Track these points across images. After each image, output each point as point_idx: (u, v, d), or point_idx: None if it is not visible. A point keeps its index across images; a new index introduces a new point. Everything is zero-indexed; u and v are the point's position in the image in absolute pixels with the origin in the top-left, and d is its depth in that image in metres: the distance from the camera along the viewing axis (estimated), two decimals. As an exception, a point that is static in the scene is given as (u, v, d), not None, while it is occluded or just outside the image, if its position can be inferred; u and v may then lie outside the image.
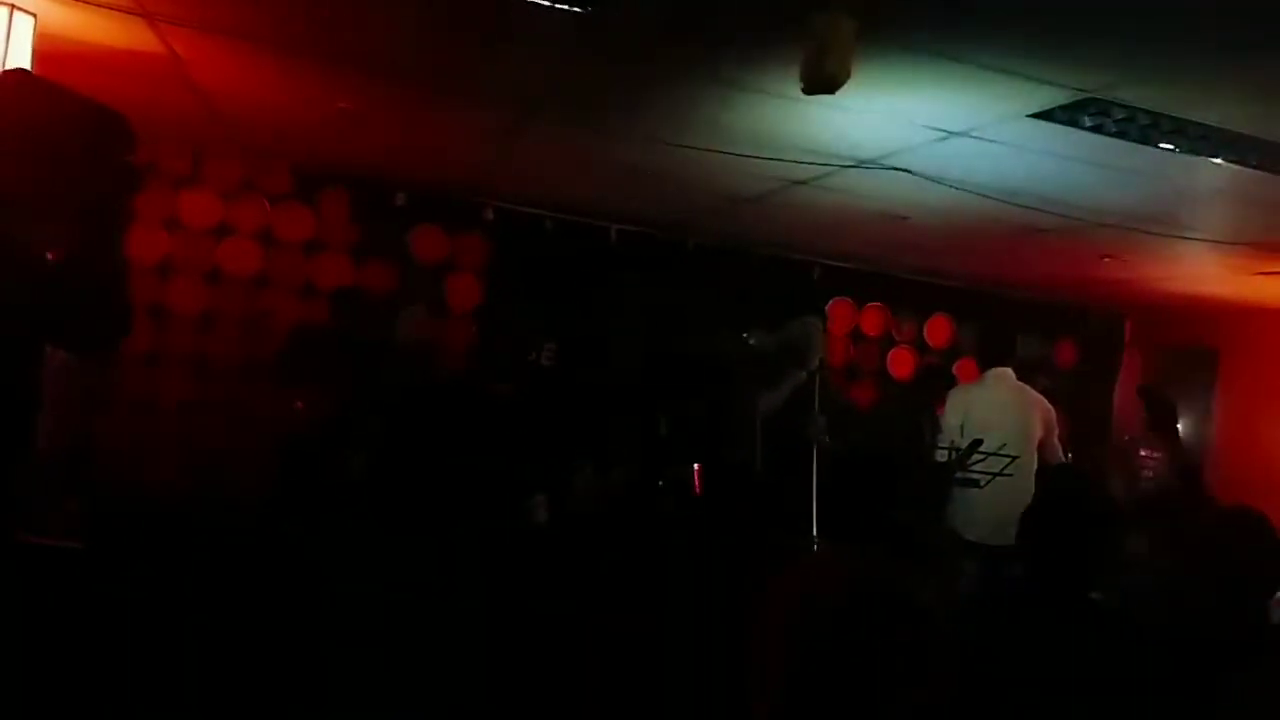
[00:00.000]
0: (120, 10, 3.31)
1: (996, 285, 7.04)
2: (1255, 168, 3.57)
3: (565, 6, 2.80)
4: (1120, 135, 3.40)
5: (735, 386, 4.71)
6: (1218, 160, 3.54)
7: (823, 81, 2.40)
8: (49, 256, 1.97)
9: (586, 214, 6.37)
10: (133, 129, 2.08)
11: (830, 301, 7.01)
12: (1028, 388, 5.24)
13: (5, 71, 2.16)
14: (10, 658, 2.17)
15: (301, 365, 5.11)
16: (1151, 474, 5.46)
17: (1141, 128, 3.33)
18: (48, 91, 2.01)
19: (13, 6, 3.20)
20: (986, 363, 5.35)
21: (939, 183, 4.29)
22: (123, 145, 2.07)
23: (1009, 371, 5.23)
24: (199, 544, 4.07)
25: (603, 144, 4.38)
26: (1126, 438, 5.89)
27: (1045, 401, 5.23)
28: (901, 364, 7.17)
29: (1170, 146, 3.46)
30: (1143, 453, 5.56)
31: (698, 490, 4.62)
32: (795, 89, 2.81)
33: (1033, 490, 4.22)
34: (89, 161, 1.98)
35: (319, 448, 4.77)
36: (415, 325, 6.27)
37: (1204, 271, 5.60)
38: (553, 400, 4.94)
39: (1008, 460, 4.53)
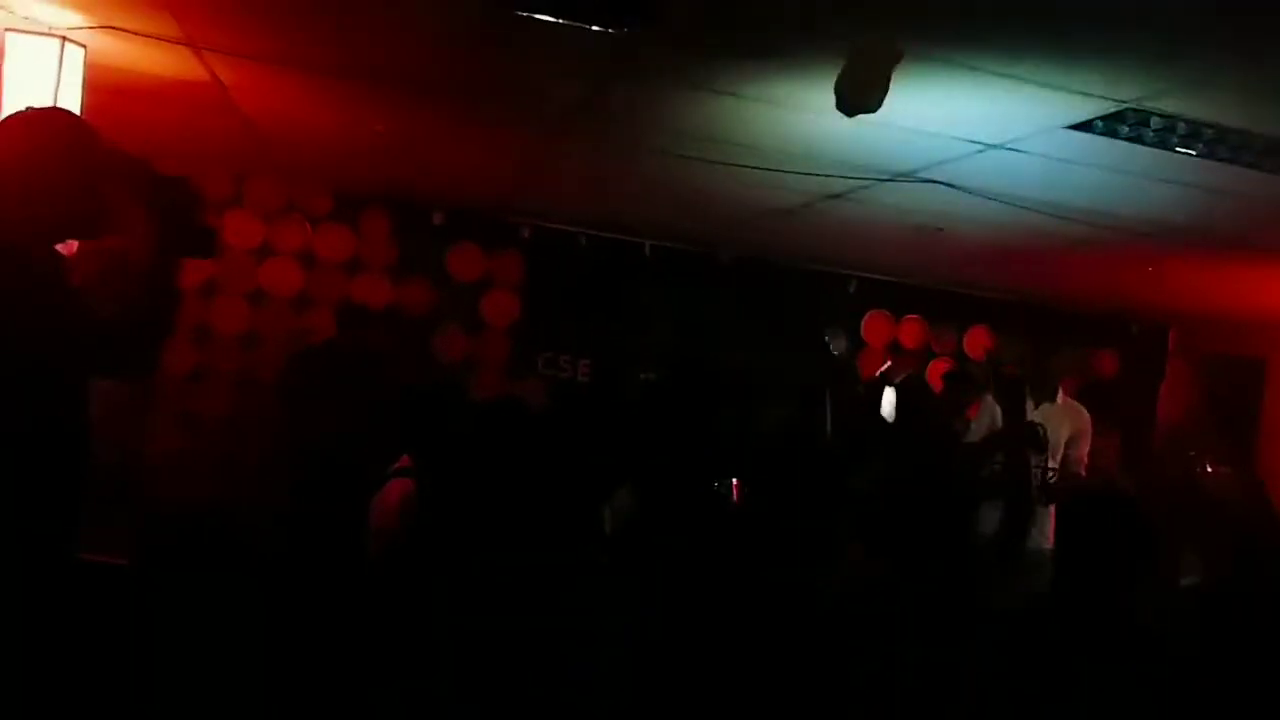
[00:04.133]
0: (167, 40, 3.40)
1: (1037, 296, 6.97)
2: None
3: (599, 28, 2.83)
4: (1159, 145, 3.36)
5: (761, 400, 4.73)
6: (1259, 169, 3.49)
7: (862, 103, 2.41)
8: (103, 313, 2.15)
9: (621, 230, 6.40)
10: (199, 195, 2.30)
11: (867, 314, 6.97)
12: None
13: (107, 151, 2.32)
14: (60, 673, 2.23)
15: (303, 382, 5.18)
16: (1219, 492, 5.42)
17: (1181, 137, 3.29)
18: (130, 164, 2.20)
19: (64, 39, 3.30)
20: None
21: (977, 195, 4.27)
22: (194, 211, 2.27)
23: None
24: (243, 559, 4.12)
25: (637, 160, 4.41)
26: (1191, 453, 5.82)
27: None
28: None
29: (1210, 155, 3.41)
30: (1209, 469, 5.50)
31: (736, 500, 4.62)
32: (830, 104, 2.82)
33: None
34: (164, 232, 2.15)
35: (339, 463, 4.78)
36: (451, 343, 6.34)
37: (1249, 280, 5.50)
38: (587, 415, 4.96)
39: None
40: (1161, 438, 7.12)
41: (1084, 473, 5.16)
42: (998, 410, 4.99)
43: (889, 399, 5.32)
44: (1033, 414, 5.06)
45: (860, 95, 2.38)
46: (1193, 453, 5.69)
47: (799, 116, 3.48)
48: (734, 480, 4.66)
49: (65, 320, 2.06)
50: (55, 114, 2.52)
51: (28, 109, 2.39)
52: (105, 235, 2.33)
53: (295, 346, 5.75)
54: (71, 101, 3.34)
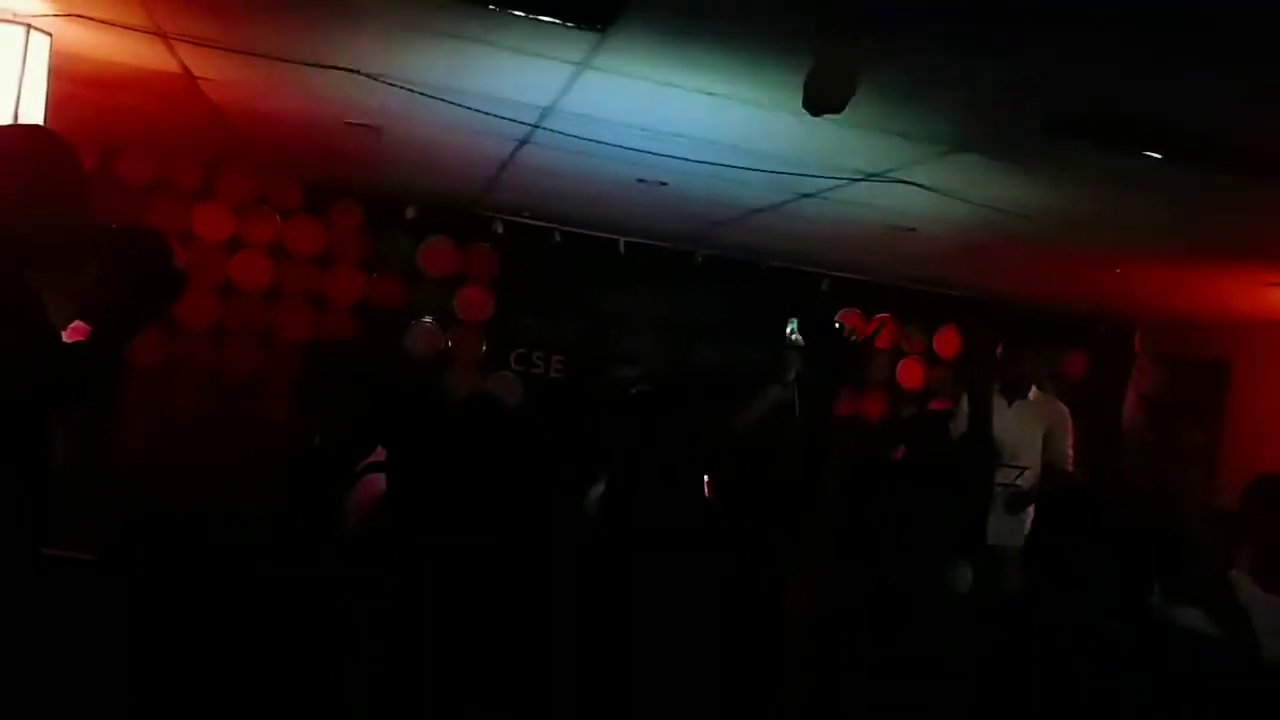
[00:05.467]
0: (135, 29, 3.35)
1: (1005, 296, 7.04)
2: (1266, 179, 3.56)
3: (577, 26, 2.83)
4: (1128, 147, 3.41)
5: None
6: (1227, 172, 3.54)
7: (827, 104, 2.42)
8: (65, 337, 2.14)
9: (595, 227, 6.40)
10: (170, 245, 2.30)
11: (839, 313, 7.01)
12: None
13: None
14: (28, 670, 2.20)
15: (326, 384, 5.13)
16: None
17: (1150, 140, 3.33)
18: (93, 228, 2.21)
19: (29, 26, 3.25)
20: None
21: (949, 196, 4.30)
22: (163, 261, 2.27)
23: None
24: (212, 557, 4.08)
25: (610, 158, 4.41)
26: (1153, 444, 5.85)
27: None
28: (911, 375, 7.16)
29: (1177, 158, 3.46)
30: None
31: (709, 497, 4.63)
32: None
33: None
34: (125, 279, 2.18)
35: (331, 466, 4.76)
36: (426, 339, 6.32)
37: (1214, 282, 5.59)
38: (563, 411, 4.96)
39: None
40: (1127, 438, 7.23)
41: (1070, 469, 4.93)
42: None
43: (791, 327, 5.20)
44: (1005, 411, 5.03)
45: (825, 95, 2.39)
46: (1153, 441, 5.75)
47: (772, 116, 3.50)
48: (705, 478, 4.68)
49: (34, 345, 2.04)
50: (36, 131, 2.51)
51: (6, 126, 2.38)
52: (75, 264, 2.30)
53: (314, 346, 5.71)
54: (36, 91, 3.30)
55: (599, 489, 4.65)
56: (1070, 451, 5.00)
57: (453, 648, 2.99)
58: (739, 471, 4.41)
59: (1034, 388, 5.04)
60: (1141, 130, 3.26)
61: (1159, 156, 3.45)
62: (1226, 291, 5.76)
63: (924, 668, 2.79)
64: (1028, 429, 4.92)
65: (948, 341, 7.22)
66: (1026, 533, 4.87)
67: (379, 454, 3.45)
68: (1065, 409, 5.07)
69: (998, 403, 5.02)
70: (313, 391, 5.08)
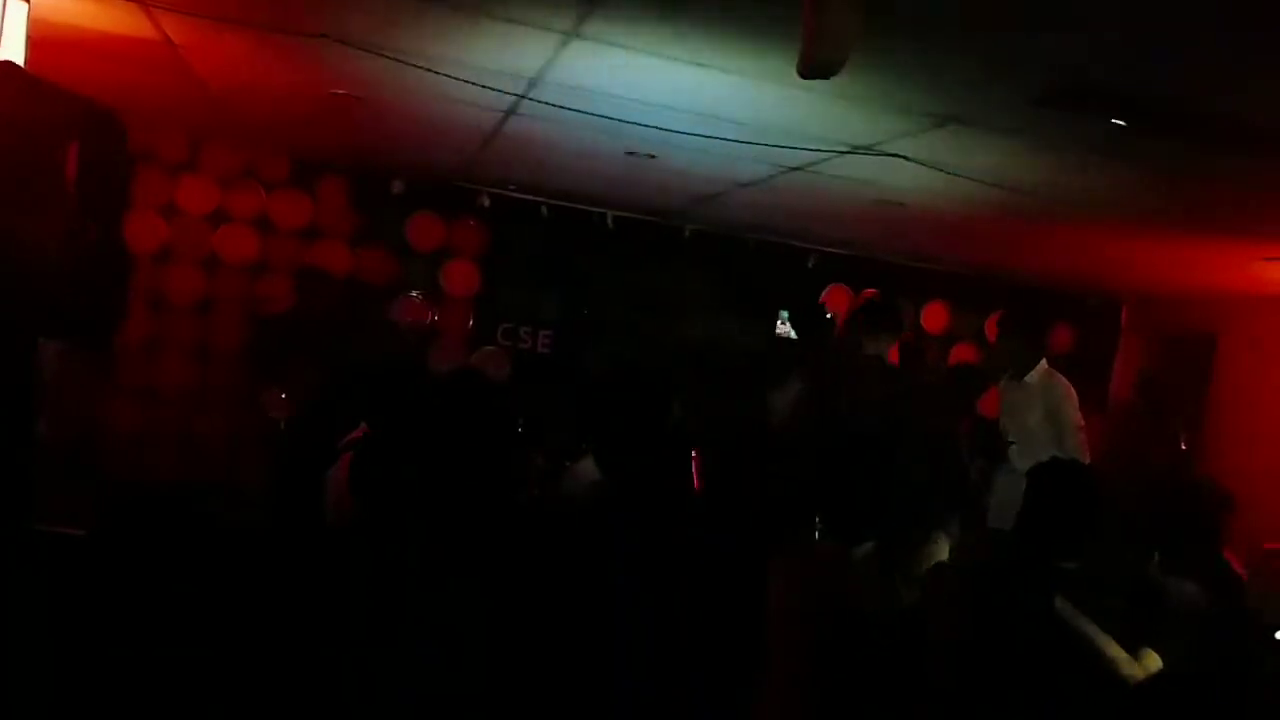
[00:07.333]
0: (114, -4, 3.30)
1: (994, 271, 7.04)
2: (1255, 155, 3.56)
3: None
4: (1116, 121, 3.40)
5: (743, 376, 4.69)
6: (1216, 148, 3.54)
7: (820, 67, 2.39)
8: (49, 249, 2.05)
9: (583, 200, 6.37)
10: (122, 122, 2.17)
11: (828, 287, 7.01)
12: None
13: None
14: (19, 642, 2.20)
15: (274, 354, 5.14)
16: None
17: (1141, 114, 3.32)
18: (34, 86, 2.08)
19: (6, -7, 3.19)
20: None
21: (936, 169, 4.29)
22: (114, 138, 2.16)
23: None
24: (200, 530, 4.08)
25: (597, 130, 4.38)
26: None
27: None
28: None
29: (1166, 133, 3.45)
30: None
31: (696, 484, 4.58)
32: (790, 75, 2.80)
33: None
34: (82, 156, 2.06)
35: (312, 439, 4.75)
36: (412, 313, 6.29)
37: (1203, 257, 5.60)
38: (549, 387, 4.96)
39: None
40: (1113, 413, 7.27)
41: (1087, 456, 4.47)
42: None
43: (783, 319, 5.13)
44: (1005, 395, 4.91)
45: (816, 58, 2.36)
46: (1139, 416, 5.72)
47: (760, 86, 3.47)
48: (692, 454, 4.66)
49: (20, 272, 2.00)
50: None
51: None
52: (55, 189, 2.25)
53: (258, 313, 5.69)
54: (14, 59, 3.24)
55: (585, 463, 4.64)
56: (1076, 440, 4.59)
57: (435, 622, 3.00)
58: (734, 460, 4.39)
59: (1042, 364, 4.75)
60: (1129, 104, 3.25)
61: (1146, 130, 3.44)
62: (1214, 266, 5.78)
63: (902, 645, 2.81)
64: (1024, 413, 4.71)
65: (936, 315, 7.23)
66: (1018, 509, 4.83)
67: (362, 430, 3.43)
68: (1064, 389, 4.71)
69: (1002, 385, 4.95)
70: (297, 366, 5.08)
